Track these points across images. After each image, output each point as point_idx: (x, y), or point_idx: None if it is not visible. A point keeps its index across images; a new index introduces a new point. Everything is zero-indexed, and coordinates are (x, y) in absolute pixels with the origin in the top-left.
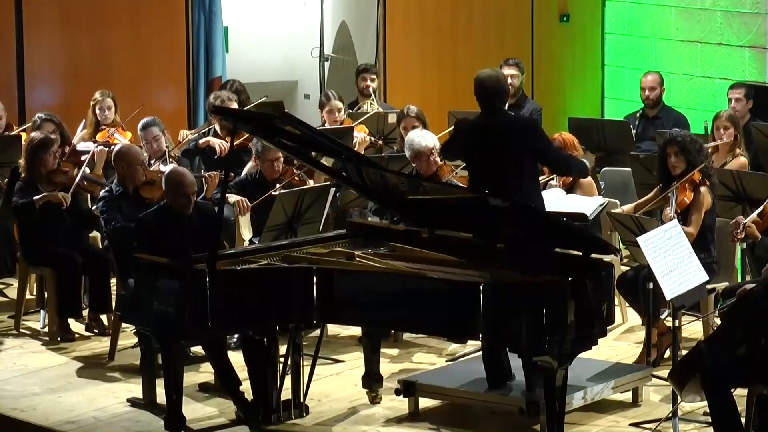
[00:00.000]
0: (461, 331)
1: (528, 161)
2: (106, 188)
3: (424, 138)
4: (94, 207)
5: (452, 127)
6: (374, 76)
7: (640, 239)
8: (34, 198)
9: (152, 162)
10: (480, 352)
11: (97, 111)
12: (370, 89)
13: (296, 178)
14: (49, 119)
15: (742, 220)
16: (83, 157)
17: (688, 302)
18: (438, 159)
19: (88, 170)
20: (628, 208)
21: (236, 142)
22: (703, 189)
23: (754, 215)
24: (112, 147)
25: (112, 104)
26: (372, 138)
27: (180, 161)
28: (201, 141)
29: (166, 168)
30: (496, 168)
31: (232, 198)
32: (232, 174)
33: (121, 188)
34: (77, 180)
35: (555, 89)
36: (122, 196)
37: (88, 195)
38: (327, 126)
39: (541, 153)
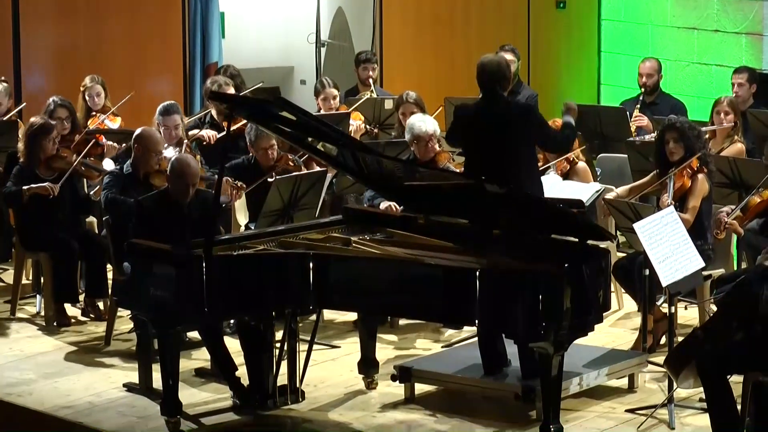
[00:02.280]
0: (458, 316)
1: (526, 146)
2: (117, 167)
3: (425, 123)
4: (97, 189)
5: (453, 111)
6: (375, 65)
7: (637, 225)
8: (24, 188)
9: (167, 147)
10: (476, 338)
11: (87, 98)
12: (371, 80)
13: (291, 163)
14: (63, 105)
15: (723, 218)
16: (91, 144)
17: (684, 289)
18: (437, 145)
19: (91, 159)
20: (622, 190)
21: (233, 128)
22: (700, 176)
23: (736, 211)
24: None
25: (102, 90)
26: (367, 126)
27: (192, 151)
28: (190, 133)
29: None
30: (494, 153)
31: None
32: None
33: (132, 170)
34: (74, 165)
35: (551, 75)
36: (131, 178)
37: (85, 180)
38: (322, 113)
39: (540, 138)
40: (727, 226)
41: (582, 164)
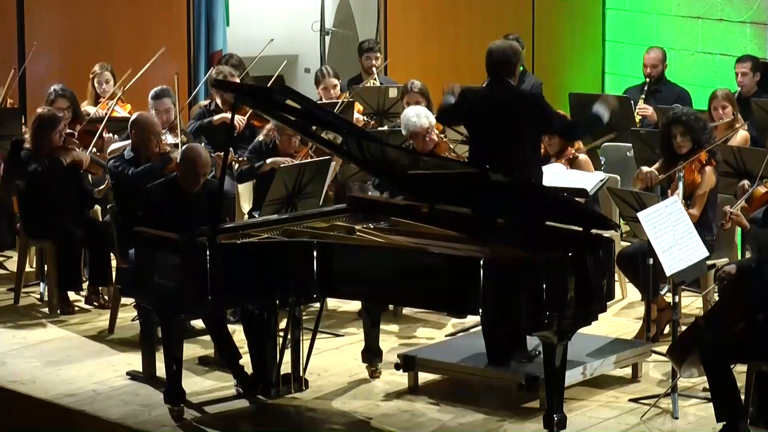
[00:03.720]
0: (461, 306)
1: (529, 134)
2: (118, 155)
3: (420, 118)
4: (100, 188)
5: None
6: (378, 54)
7: (641, 215)
8: (62, 157)
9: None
10: (480, 327)
11: (96, 84)
12: (374, 69)
13: (309, 157)
14: (64, 95)
15: (728, 209)
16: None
17: (688, 278)
18: (435, 137)
19: (94, 150)
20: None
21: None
22: (708, 169)
23: (741, 202)
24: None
25: (111, 77)
26: (365, 118)
27: (186, 135)
28: (216, 118)
29: (174, 140)
30: (496, 140)
31: (279, 159)
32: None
33: (133, 155)
34: (86, 157)
35: (556, 64)
36: (132, 163)
37: (89, 176)
38: (324, 101)
39: (546, 125)
40: (733, 217)
41: (583, 156)
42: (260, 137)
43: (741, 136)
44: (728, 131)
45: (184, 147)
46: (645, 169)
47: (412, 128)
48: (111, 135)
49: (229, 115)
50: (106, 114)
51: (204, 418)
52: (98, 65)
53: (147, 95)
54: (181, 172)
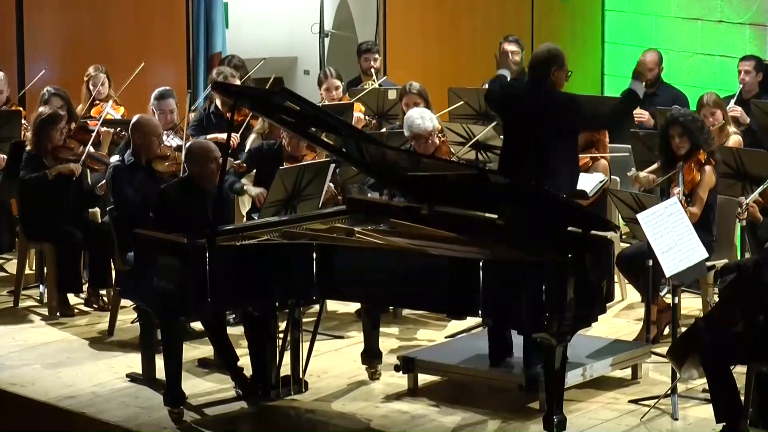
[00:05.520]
0: (461, 307)
1: (563, 138)
2: (118, 158)
3: (424, 121)
4: (101, 183)
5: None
6: (377, 56)
7: (640, 216)
8: (47, 170)
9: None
10: (479, 329)
11: (91, 86)
12: (372, 70)
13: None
14: (57, 94)
15: (743, 200)
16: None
17: (688, 279)
18: (436, 140)
19: (92, 149)
20: (650, 171)
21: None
22: (707, 168)
23: (755, 194)
24: (117, 127)
25: (105, 79)
26: (367, 117)
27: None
28: (209, 137)
29: (175, 141)
30: (531, 142)
31: (254, 191)
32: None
33: (134, 159)
34: (83, 158)
35: None
36: (134, 167)
37: (88, 171)
38: (326, 103)
39: (589, 125)
40: (749, 208)
41: (603, 162)
42: (250, 143)
43: (733, 141)
44: (721, 135)
45: (188, 147)
46: (641, 174)
47: (416, 130)
48: (107, 129)
49: (219, 135)
50: (100, 118)
51: (204, 420)
52: (92, 67)
53: (142, 99)
54: (199, 166)
